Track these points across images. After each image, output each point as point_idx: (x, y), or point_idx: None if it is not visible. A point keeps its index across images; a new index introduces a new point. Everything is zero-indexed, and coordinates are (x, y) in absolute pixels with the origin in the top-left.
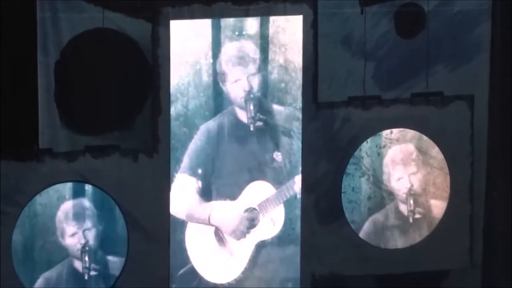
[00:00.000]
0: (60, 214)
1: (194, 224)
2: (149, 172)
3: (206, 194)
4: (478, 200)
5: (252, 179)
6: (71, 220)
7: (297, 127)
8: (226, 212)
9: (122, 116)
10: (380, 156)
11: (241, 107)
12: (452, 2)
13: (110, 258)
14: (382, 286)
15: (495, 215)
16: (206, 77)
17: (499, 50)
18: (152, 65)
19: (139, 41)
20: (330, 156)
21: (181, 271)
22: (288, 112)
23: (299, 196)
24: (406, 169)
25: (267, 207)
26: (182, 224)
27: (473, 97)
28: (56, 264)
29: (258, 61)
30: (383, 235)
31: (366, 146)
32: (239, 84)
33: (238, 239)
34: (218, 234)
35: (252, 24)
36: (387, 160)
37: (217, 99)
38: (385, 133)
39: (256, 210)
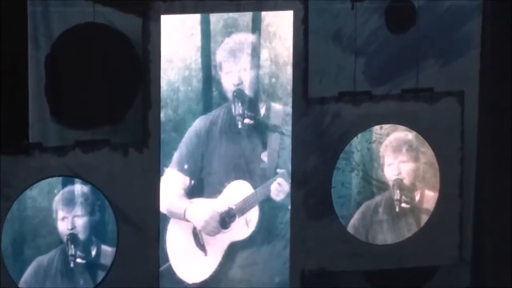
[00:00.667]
0: (57, 197)
1: (176, 221)
2: (139, 167)
3: (192, 191)
4: (468, 196)
5: (237, 178)
6: (63, 204)
7: (287, 128)
8: (202, 208)
9: (112, 111)
10: (370, 151)
11: (232, 102)
12: None
13: (99, 247)
14: (371, 282)
15: (485, 212)
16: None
17: (489, 46)
18: (142, 59)
19: (129, 35)
20: (320, 152)
21: (161, 268)
22: (278, 110)
23: (273, 197)
24: (396, 156)
25: (243, 207)
26: (166, 219)
27: (463, 93)
28: (52, 249)
29: (252, 56)
30: (369, 229)
31: (356, 141)
32: (230, 76)
33: (210, 235)
34: (195, 232)
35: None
36: (380, 150)
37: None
38: (375, 128)
39: (233, 209)
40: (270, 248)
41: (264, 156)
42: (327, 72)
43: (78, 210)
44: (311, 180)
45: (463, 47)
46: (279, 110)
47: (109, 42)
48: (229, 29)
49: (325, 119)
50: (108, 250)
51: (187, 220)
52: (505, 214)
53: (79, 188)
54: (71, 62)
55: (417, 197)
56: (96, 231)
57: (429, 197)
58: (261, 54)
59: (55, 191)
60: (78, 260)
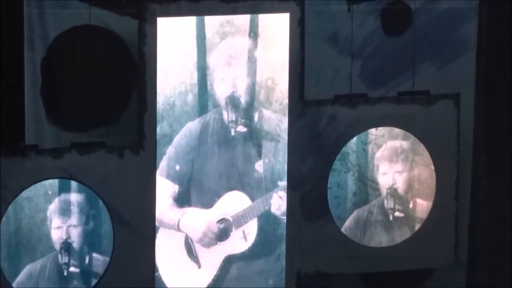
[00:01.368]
0: (52, 205)
1: (165, 230)
2: (135, 169)
3: (181, 199)
4: (464, 199)
5: (230, 188)
6: (58, 213)
7: (282, 136)
8: (197, 218)
9: (108, 113)
10: (365, 152)
11: (224, 109)
12: (439, 1)
13: (93, 255)
14: (368, 284)
15: (480, 214)
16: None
17: (485, 48)
18: (138, 62)
19: (125, 38)
20: (316, 154)
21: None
22: (273, 117)
23: (274, 211)
24: (392, 166)
25: (240, 220)
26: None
27: (459, 96)
28: (43, 256)
29: (248, 62)
30: (365, 230)
31: (351, 142)
32: (225, 83)
33: (206, 247)
34: (188, 243)
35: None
36: (376, 155)
37: (203, 96)
38: (371, 129)
39: (229, 221)
40: (266, 260)
41: (259, 166)
42: (323, 74)
43: (73, 220)
44: (307, 183)
45: (459, 49)
46: (274, 117)
47: (105, 44)
48: (224, 33)
49: (321, 122)
50: (101, 259)
51: (181, 231)
52: (501, 216)
53: (74, 197)
54: (67, 64)
55: (411, 206)
56: (91, 240)
57: (423, 206)
58: (257, 59)
59: (50, 197)
60: (72, 268)
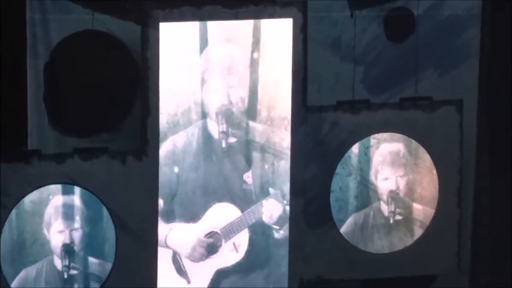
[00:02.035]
0: (49, 208)
1: None
2: (137, 174)
3: (167, 215)
4: (466, 205)
5: (218, 200)
6: (60, 217)
7: (272, 147)
8: (185, 233)
9: (111, 118)
10: (367, 155)
11: (214, 120)
12: (442, 7)
13: (93, 259)
14: None
15: (483, 221)
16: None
17: (488, 54)
18: (141, 67)
19: (128, 43)
20: (318, 160)
21: None
22: (264, 129)
23: (266, 220)
24: (394, 170)
25: (230, 232)
26: None
27: (462, 102)
28: (39, 260)
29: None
30: (363, 234)
31: (353, 146)
32: (218, 94)
33: (196, 262)
34: (176, 260)
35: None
36: (376, 159)
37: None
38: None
39: (218, 234)
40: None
41: (248, 177)
42: (326, 80)
43: (76, 224)
44: (310, 189)
45: (462, 56)
46: (264, 129)
47: (107, 49)
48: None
49: (323, 128)
50: (102, 263)
51: (168, 247)
52: (503, 223)
53: (77, 201)
54: (70, 70)
55: (412, 210)
56: (93, 242)
57: (423, 206)
58: (258, 67)
59: (50, 201)
60: (72, 271)
